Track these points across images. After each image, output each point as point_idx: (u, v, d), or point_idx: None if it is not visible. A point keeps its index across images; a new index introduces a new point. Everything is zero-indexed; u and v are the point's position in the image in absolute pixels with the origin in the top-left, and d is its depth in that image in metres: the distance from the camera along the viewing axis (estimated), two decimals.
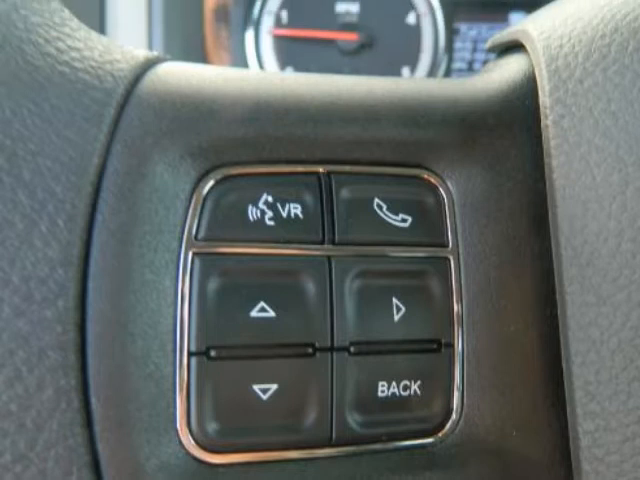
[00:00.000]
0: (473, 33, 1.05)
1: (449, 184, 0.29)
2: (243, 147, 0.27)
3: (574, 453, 0.27)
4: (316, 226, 0.28)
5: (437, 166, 0.29)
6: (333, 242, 0.28)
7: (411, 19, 1.05)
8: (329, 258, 0.27)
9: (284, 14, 1.06)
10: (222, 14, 1.07)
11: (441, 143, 0.28)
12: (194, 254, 0.26)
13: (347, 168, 0.28)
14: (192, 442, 0.26)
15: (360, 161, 0.28)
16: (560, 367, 0.27)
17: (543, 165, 0.28)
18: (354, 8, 1.05)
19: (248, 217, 0.27)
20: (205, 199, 0.27)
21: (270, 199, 0.27)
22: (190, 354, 0.26)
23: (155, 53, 0.29)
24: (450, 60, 1.05)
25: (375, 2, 1.04)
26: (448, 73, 1.05)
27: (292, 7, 1.06)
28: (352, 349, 0.27)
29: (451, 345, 0.28)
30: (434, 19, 1.04)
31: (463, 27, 1.06)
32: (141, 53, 0.28)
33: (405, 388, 0.28)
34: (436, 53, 1.05)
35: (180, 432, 0.26)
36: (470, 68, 1.06)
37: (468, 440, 0.28)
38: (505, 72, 0.31)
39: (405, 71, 1.05)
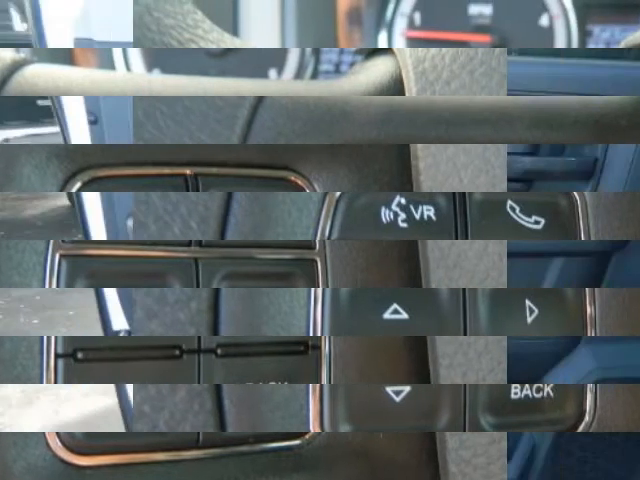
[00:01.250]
0: None
1: (316, 186, 0.28)
2: (109, 149, 0.28)
3: (441, 454, 0.26)
4: None
5: (304, 168, 0.28)
6: (200, 244, 0.28)
7: (544, 21, 0.99)
8: (196, 260, 0.28)
9: (417, 16, 1.05)
10: (355, 16, 1.09)
11: (308, 146, 0.28)
12: (61, 256, 0.27)
13: (214, 170, 0.28)
14: (59, 444, 0.27)
15: (227, 163, 0.29)
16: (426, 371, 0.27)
17: (410, 167, 0.27)
18: (487, 10, 1.01)
19: None
20: None
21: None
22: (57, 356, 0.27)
23: (22, 55, 0.30)
24: None
25: (508, 4, 0.99)
26: None
27: (425, 9, 1.04)
28: (219, 351, 0.28)
29: (318, 347, 0.28)
30: (567, 21, 0.97)
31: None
32: (8, 55, 0.29)
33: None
34: None
35: (47, 434, 0.26)
36: None
37: (335, 442, 0.28)
38: (372, 74, 0.29)
39: None
